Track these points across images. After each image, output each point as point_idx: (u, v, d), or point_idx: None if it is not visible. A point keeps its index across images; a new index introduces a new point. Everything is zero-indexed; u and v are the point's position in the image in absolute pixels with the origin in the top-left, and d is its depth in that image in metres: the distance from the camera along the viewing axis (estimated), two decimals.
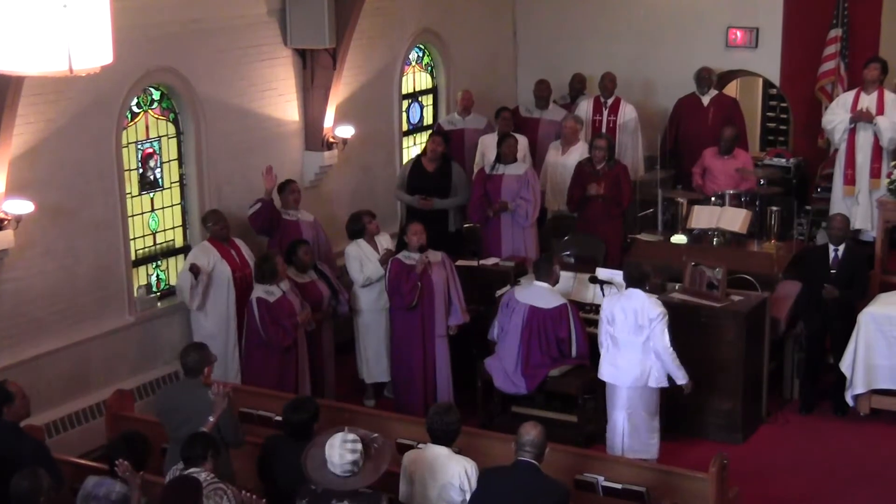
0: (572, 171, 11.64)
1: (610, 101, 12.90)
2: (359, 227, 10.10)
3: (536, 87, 13.06)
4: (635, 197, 11.98)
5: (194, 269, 9.42)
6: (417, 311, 9.54)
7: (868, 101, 11.57)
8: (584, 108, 13.00)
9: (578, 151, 11.90)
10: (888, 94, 11.55)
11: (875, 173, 11.60)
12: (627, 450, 8.61)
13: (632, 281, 8.61)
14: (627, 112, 12.85)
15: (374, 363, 10.12)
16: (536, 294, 9.16)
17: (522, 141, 11.86)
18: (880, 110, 11.50)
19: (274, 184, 10.12)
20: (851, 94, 11.83)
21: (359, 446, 5.90)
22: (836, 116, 11.75)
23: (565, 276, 9.59)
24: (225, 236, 9.75)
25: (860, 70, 12.02)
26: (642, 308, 8.46)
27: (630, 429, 8.62)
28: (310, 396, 7.84)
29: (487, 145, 12.23)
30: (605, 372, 8.68)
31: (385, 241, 10.13)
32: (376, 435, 6.14)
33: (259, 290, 9.17)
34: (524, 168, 11.32)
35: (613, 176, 11.43)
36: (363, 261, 9.98)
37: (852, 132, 11.66)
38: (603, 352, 8.71)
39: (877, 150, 11.60)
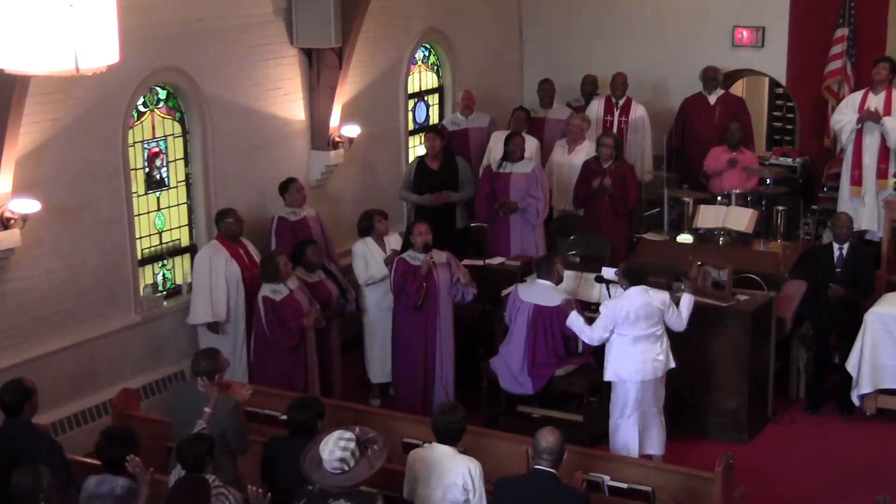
0: (579, 171, 11.63)
1: (621, 102, 12.90)
2: (368, 224, 10.12)
3: (540, 87, 13.07)
4: (641, 196, 11.95)
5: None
6: (421, 311, 9.53)
7: (876, 101, 11.55)
8: (595, 108, 12.99)
9: (585, 150, 11.90)
10: None
11: (882, 174, 11.58)
12: (644, 449, 8.61)
13: (635, 279, 8.61)
14: (639, 112, 12.84)
15: (378, 363, 10.13)
16: (540, 292, 9.15)
17: (531, 143, 11.85)
18: (888, 110, 11.48)
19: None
20: (860, 94, 11.80)
21: (351, 445, 5.89)
22: (844, 116, 11.73)
23: (569, 275, 9.57)
24: (238, 234, 9.77)
25: (867, 69, 12.00)
26: (651, 301, 8.49)
27: (644, 427, 8.62)
28: (316, 396, 7.82)
29: (496, 142, 12.23)
30: (633, 370, 8.53)
31: (394, 242, 10.12)
32: (373, 434, 6.12)
33: (266, 290, 9.16)
34: (531, 165, 11.29)
35: (620, 175, 11.42)
36: (368, 259, 9.99)
37: (859, 132, 11.64)
38: (617, 355, 8.60)
39: (884, 150, 11.59)
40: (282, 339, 9.10)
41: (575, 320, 8.85)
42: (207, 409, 6.76)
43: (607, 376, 8.71)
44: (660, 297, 8.59)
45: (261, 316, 9.13)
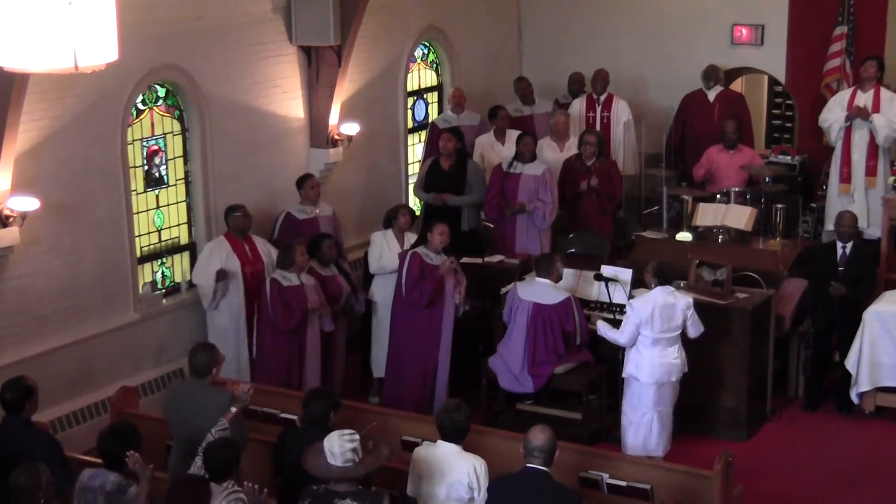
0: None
1: (603, 98, 12.91)
2: (389, 217, 10.20)
3: (518, 86, 13.07)
4: (641, 194, 11.93)
5: (221, 275, 9.55)
6: (425, 311, 9.49)
7: (864, 98, 11.56)
8: (578, 105, 13.00)
9: (575, 146, 11.85)
10: (885, 92, 11.54)
11: (871, 171, 11.62)
12: (654, 448, 8.60)
13: (663, 279, 8.59)
14: (621, 108, 12.85)
15: (381, 358, 10.11)
16: (539, 291, 9.14)
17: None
18: (876, 108, 11.50)
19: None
20: (848, 91, 11.84)
21: (356, 437, 6.03)
22: (833, 115, 11.76)
23: (568, 273, 9.56)
24: (245, 230, 9.79)
25: None
26: (676, 302, 8.49)
27: (659, 427, 8.61)
28: (331, 389, 7.85)
29: (485, 146, 12.20)
30: (648, 372, 8.51)
31: (413, 240, 10.10)
32: (361, 434, 6.21)
33: (276, 274, 9.27)
34: (542, 168, 11.18)
35: (604, 171, 11.43)
36: (384, 250, 10.02)
37: (848, 130, 11.66)
38: (635, 353, 8.56)
39: (872, 147, 11.62)
40: (285, 321, 9.13)
41: (602, 326, 8.83)
42: (234, 409, 6.82)
43: (625, 373, 8.67)
44: (685, 300, 8.58)
45: (266, 296, 9.18)
